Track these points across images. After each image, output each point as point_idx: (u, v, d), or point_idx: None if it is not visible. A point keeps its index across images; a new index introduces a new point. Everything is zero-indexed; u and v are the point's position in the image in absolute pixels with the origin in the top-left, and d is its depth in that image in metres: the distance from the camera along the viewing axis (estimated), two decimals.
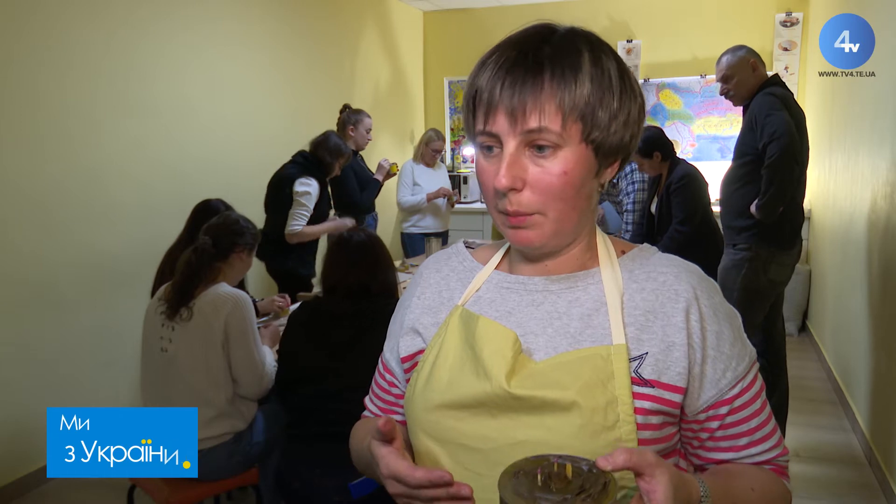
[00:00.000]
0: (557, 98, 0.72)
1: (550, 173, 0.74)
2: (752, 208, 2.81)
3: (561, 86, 0.72)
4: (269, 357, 2.26)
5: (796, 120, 2.76)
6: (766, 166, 2.72)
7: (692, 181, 3.47)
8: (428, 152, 4.68)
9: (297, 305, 2.45)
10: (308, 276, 3.60)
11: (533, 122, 0.72)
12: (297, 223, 3.46)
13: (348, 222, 3.69)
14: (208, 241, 2.19)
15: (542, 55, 0.73)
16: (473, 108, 0.76)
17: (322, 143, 3.59)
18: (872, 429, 2.99)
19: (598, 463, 0.62)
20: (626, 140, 0.77)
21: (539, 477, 0.63)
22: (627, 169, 3.98)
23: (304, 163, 3.54)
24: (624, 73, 0.76)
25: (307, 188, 3.46)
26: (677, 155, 3.66)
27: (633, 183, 3.98)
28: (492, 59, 0.75)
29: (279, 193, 3.50)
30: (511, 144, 0.74)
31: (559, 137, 0.73)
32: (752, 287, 2.89)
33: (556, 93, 0.72)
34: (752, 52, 2.94)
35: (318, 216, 3.57)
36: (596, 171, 0.77)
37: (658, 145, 3.54)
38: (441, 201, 4.75)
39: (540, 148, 0.74)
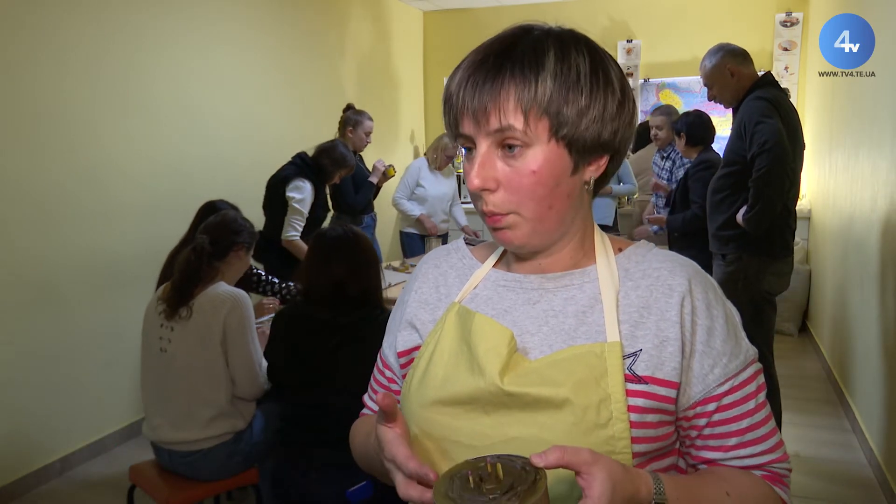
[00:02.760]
0: (515, 96, 0.72)
1: (520, 173, 0.74)
2: (739, 218, 2.71)
3: (520, 84, 0.72)
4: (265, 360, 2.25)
5: (789, 124, 2.66)
6: (754, 179, 2.60)
7: (709, 168, 3.45)
8: (442, 157, 4.61)
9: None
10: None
11: (494, 122, 0.73)
12: (294, 231, 3.45)
13: None
14: (206, 241, 2.18)
15: (506, 56, 0.73)
16: (448, 112, 0.78)
17: (327, 151, 3.58)
18: (872, 429, 2.99)
19: (531, 460, 0.62)
20: (607, 136, 0.76)
21: (471, 479, 0.64)
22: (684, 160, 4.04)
23: (301, 164, 3.52)
24: (599, 69, 0.75)
25: (301, 194, 3.43)
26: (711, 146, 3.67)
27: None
28: (463, 63, 0.76)
29: (275, 195, 3.49)
30: (483, 145, 0.75)
31: (524, 135, 0.73)
32: (756, 298, 2.79)
33: (515, 91, 0.72)
34: (729, 56, 2.78)
35: (313, 220, 3.56)
36: (573, 169, 0.77)
37: (687, 127, 3.57)
38: (437, 220, 4.67)
39: (510, 147, 0.74)
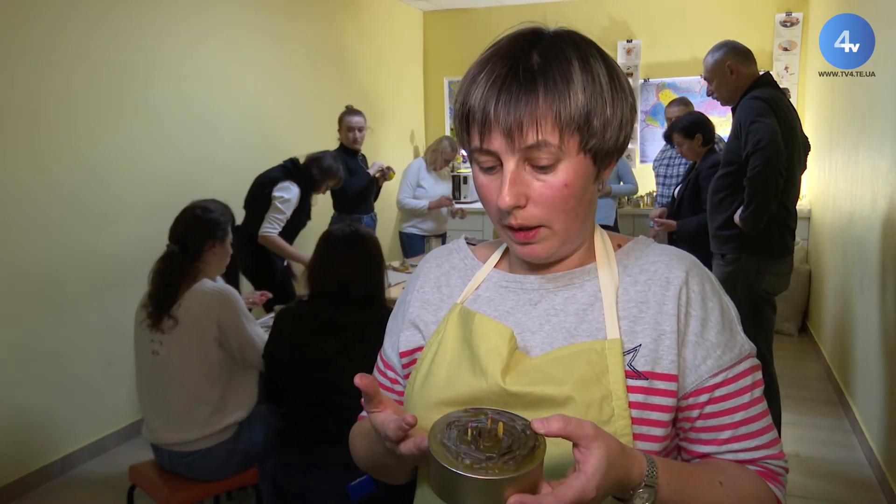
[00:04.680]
0: (553, 112, 0.71)
1: (552, 187, 0.74)
2: (736, 219, 2.72)
3: (555, 99, 0.71)
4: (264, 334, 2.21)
5: (786, 124, 2.66)
6: (748, 178, 2.61)
7: None
8: (440, 160, 4.65)
9: (280, 307, 2.34)
10: (270, 275, 3.53)
11: (531, 138, 0.72)
12: (272, 228, 3.43)
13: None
14: (175, 249, 2.15)
15: (533, 67, 0.72)
16: (468, 125, 0.75)
17: (316, 161, 3.59)
18: (872, 429, 2.99)
19: (532, 425, 0.61)
20: (621, 141, 0.78)
21: (470, 431, 0.63)
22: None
23: (291, 168, 3.53)
24: (613, 75, 0.75)
25: (287, 195, 3.43)
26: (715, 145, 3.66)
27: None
28: (482, 74, 0.73)
29: (261, 195, 3.48)
30: (511, 162, 0.73)
31: (559, 150, 0.73)
32: (755, 298, 2.78)
33: (552, 106, 0.71)
34: (731, 54, 2.78)
35: (294, 225, 3.56)
36: (595, 177, 0.78)
37: (701, 128, 3.55)
38: (438, 220, 4.71)
39: (542, 166, 0.73)
